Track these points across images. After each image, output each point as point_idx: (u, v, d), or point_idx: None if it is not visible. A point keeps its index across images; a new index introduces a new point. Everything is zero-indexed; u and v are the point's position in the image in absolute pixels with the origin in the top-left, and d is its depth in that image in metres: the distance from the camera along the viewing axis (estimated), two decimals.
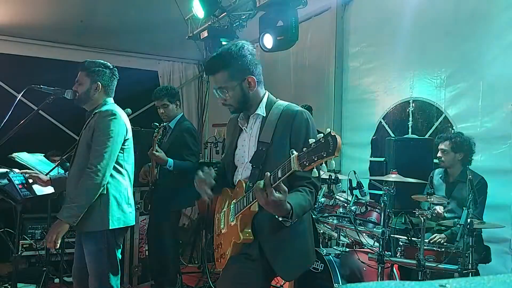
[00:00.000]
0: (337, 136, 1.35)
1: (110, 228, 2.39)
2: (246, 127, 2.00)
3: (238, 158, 2.01)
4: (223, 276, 1.98)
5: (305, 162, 1.43)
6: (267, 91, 1.99)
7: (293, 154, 1.49)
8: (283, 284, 3.07)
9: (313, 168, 1.44)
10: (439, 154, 3.31)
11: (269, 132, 1.88)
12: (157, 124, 3.57)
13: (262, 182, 1.59)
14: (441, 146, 3.29)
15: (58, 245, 2.31)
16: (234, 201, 1.92)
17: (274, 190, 1.56)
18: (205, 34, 4.86)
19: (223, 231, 2.02)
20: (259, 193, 1.58)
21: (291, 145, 1.79)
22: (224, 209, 2.03)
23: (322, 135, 1.40)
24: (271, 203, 1.58)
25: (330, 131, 1.38)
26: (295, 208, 1.67)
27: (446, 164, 3.30)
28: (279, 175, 1.56)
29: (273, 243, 1.86)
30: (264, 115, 1.93)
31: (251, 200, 1.77)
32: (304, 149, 1.44)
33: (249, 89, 1.89)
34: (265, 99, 1.96)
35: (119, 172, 2.47)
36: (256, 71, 1.91)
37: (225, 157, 2.15)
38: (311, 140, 1.42)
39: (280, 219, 1.68)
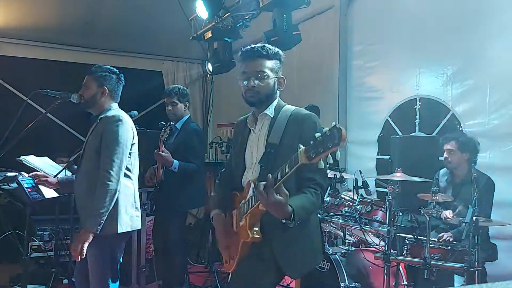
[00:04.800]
0: (342, 128, 1.42)
1: (118, 232, 2.41)
2: (255, 128, 2.07)
3: (247, 159, 2.07)
4: (234, 277, 2.03)
5: (311, 155, 1.50)
6: (279, 97, 2.11)
7: (300, 148, 1.55)
8: (290, 283, 3.09)
9: (320, 160, 1.50)
10: (445, 155, 3.24)
11: (278, 134, 1.95)
12: (164, 123, 3.58)
13: (262, 183, 1.65)
14: (447, 147, 3.23)
15: (84, 254, 2.33)
16: (242, 201, 1.96)
17: (274, 192, 1.62)
18: (209, 34, 4.86)
19: None
20: (260, 194, 1.65)
21: None
22: (234, 211, 2.06)
23: (327, 128, 1.46)
24: (271, 205, 1.65)
25: (335, 124, 1.45)
26: (297, 210, 1.73)
27: (453, 165, 3.23)
28: (279, 177, 1.63)
29: (281, 241, 1.91)
30: (272, 116, 2.02)
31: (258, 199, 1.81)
32: (311, 142, 1.51)
33: (278, 87, 2.06)
34: (275, 102, 2.06)
35: (127, 176, 2.49)
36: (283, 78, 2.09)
37: (234, 159, 2.19)
38: (317, 134, 1.49)
39: (284, 221, 1.75)
